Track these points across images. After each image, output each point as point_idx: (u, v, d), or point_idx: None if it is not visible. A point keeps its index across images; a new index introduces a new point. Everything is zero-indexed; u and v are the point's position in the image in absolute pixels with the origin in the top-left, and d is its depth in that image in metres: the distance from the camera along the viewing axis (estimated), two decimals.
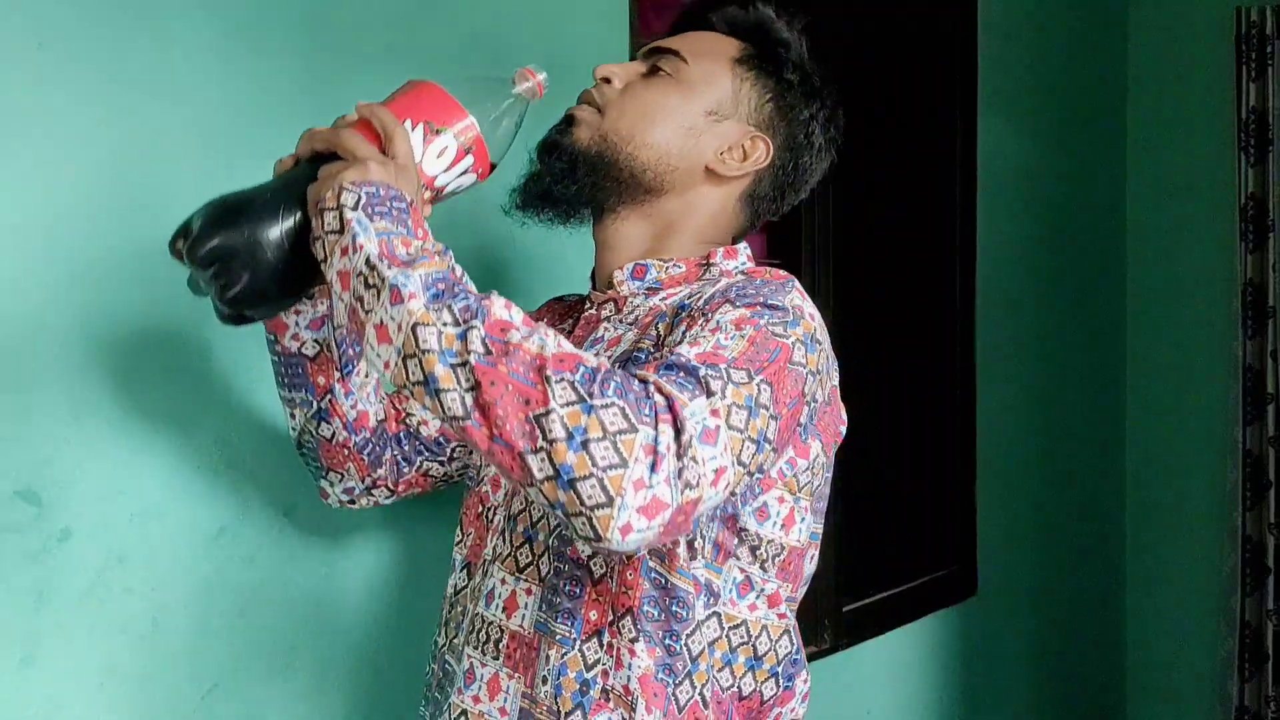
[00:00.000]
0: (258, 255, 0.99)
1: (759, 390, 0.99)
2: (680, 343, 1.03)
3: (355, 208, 0.96)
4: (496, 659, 1.15)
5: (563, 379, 0.89)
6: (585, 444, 0.88)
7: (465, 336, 0.90)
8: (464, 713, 1.16)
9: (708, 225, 1.23)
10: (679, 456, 0.91)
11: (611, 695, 1.09)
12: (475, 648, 1.17)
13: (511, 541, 1.17)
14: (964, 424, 2.72)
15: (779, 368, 1.02)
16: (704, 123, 1.19)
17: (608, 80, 1.21)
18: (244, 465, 1.36)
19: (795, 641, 1.19)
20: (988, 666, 2.83)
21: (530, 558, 1.15)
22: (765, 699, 1.17)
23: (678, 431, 0.91)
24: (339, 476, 1.26)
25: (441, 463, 1.32)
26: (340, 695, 1.47)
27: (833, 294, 2.31)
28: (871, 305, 2.56)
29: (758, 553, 1.13)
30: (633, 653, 1.09)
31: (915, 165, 2.66)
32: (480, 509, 1.24)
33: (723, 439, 0.94)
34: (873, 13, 2.50)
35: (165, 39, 1.28)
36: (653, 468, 0.89)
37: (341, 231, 0.96)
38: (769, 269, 1.17)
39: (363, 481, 1.27)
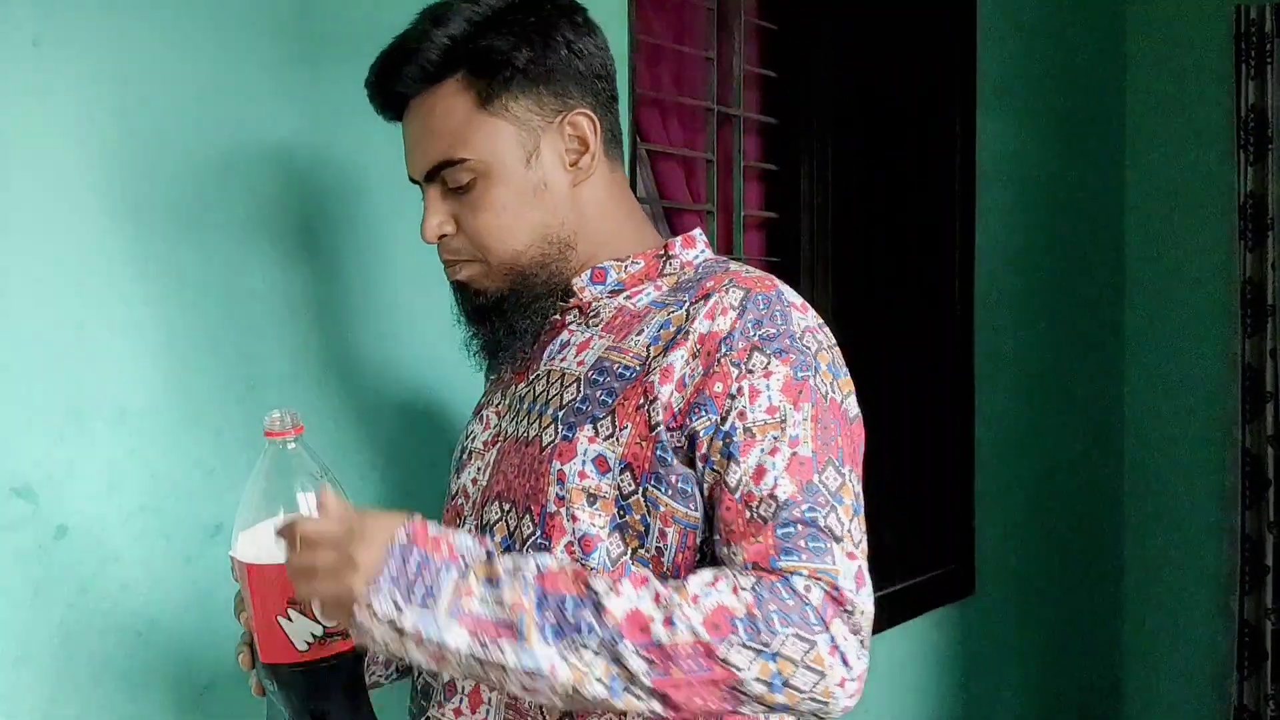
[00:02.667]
0: None
1: (852, 481, 1.03)
2: (744, 446, 1.00)
3: (396, 605, 0.92)
4: None
5: (732, 646, 0.92)
6: (786, 684, 0.93)
7: (620, 663, 0.92)
8: None
9: (610, 208, 1.16)
10: (855, 632, 0.96)
11: None
12: None
13: None
14: (962, 422, 2.71)
15: (847, 434, 1.05)
16: (533, 173, 1.11)
17: (444, 236, 1.13)
18: (240, 461, 1.36)
19: None
20: (986, 665, 2.83)
21: None
22: None
23: (848, 613, 0.96)
24: None
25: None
26: None
27: (831, 293, 2.31)
28: (870, 304, 2.56)
29: None
30: None
31: (914, 164, 2.66)
32: (456, 521, 1.19)
33: (861, 559, 1.00)
34: (872, 12, 2.50)
35: (160, 34, 1.27)
36: (844, 661, 0.94)
37: (402, 635, 0.92)
38: (743, 265, 1.13)
39: None
